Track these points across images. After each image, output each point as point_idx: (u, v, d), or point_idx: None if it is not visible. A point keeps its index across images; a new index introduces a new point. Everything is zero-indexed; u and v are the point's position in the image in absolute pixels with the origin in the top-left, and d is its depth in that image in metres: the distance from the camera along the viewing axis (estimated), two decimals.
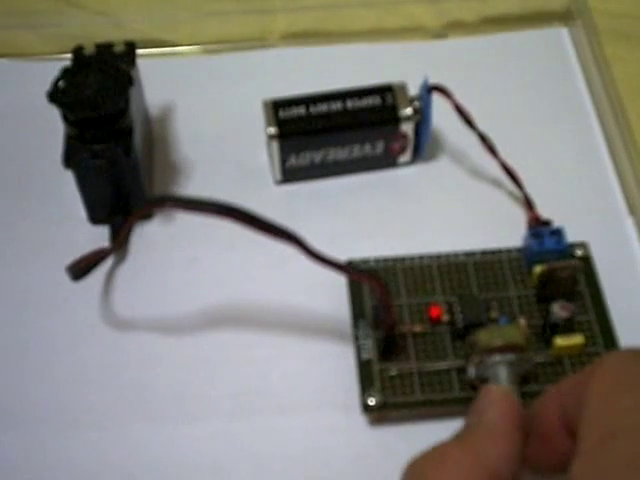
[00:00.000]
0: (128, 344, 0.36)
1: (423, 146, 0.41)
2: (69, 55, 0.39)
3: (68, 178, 0.37)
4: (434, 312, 0.35)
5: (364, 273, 0.34)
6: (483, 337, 0.31)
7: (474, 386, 0.33)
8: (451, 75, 0.40)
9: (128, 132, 0.36)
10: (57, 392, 0.35)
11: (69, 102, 0.35)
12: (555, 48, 0.46)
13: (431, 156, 0.42)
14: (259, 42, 0.47)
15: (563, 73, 0.45)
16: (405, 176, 0.41)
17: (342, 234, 0.39)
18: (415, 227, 0.40)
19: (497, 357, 0.31)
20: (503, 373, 0.31)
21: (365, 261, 0.37)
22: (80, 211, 0.39)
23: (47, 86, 0.36)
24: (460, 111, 0.39)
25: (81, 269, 0.36)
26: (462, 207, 0.40)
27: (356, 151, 0.40)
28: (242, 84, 0.45)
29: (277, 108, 0.39)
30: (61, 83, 0.36)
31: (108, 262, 0.38)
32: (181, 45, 0.47)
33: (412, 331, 0.35)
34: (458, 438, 0.26)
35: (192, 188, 0.41)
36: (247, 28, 0.48)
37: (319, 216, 0.40)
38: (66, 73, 0.36)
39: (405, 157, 0.41)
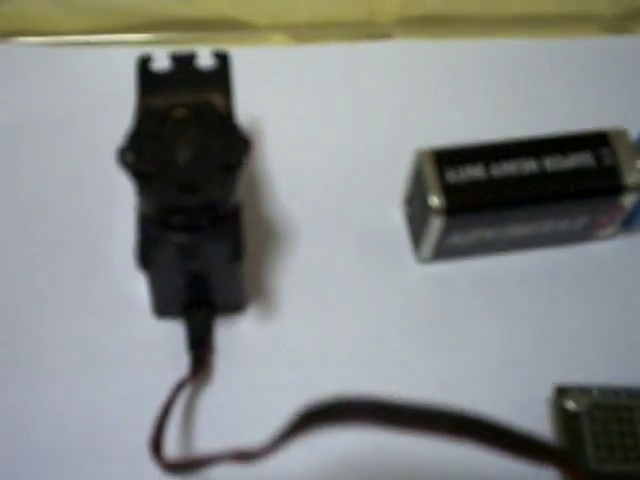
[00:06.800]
0: None
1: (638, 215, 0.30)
2: (103, 37, 0.33)
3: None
4: None
5: None
6: None
7: None
8: None
9: (234, 219, 0.24)
10: None
11: (154, 181, 0.23)
12: None
13: None
14: (367, 28, 0.36)
15: None
16: (606, 252, 0.31)
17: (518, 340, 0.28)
18: None
19: None
20: None
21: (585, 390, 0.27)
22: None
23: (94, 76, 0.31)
24: None
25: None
26: None
27: (547, 226, 0.29)
28: (349, 86, 0.34)
29: (442, 164, 0.27)
30: (129, 157, 0.23)
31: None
32: (259, 27, 0.36)
33: None
34: None
35: (291, 256, 0.30)
36: (351, 8, 0.36)
37: (480, 309, 0.29)
38: (134, 139, 0.24)
39: (609, 229, 0.30)
